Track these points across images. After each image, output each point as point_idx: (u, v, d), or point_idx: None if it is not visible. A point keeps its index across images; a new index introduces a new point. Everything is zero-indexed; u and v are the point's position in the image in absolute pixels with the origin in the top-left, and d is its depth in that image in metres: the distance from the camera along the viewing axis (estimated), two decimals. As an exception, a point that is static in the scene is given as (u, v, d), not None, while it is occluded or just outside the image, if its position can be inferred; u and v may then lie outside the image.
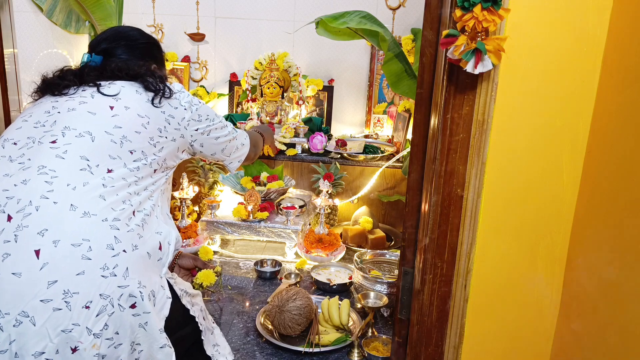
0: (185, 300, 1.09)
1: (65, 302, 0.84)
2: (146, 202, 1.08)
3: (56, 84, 1.15)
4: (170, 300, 0.99)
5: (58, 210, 0.91)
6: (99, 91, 1.13)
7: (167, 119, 1.17)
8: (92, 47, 1.31)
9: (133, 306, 0.90)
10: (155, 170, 1.12)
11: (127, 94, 1.15)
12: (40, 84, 1.17)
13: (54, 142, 1.01)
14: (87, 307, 0.86)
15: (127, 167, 1.04)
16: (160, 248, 1.03)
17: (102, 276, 0.88)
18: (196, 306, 1.12)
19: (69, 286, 0.85)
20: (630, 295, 0.89)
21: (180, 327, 1.08)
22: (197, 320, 1.10)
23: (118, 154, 1.04)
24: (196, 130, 1.24)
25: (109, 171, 1.01)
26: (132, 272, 0.92)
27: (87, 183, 0.97)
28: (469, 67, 0.94)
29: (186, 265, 1.47)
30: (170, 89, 1.21)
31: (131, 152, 1.06)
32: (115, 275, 0.90)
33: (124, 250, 0.93)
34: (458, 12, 0.93)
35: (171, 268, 1.41)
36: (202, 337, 1.12)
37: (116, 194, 1.00)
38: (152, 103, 1.15)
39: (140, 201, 1.05)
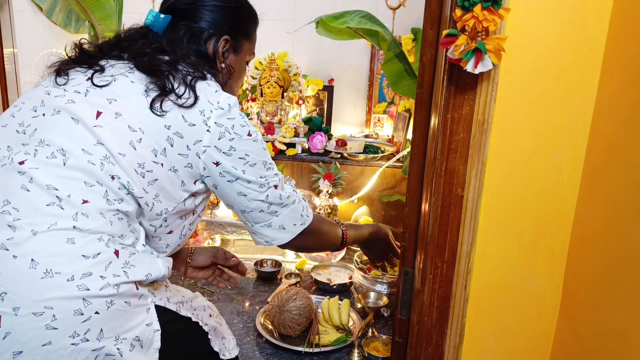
0: (184, 311, 1.03)
1: None
2: (132, 241, 0.91)
3: (63, 69, 0.95)
4: (159, 331, 0.92)
5: (17, 268, 0.79)
6: (93, 83, 0.91)
7: (171, 139, 0.89)
8: (162, 3, 1.06)
9: None
10: (140, 213, 0.91)
11: (127, 93, 0.91)
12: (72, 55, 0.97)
13: (22, 162, 0.85)
14: None
15: (107, 197, 0.86)
16: (137, 288, 0.89)
17: (73, 344, 0.79)
18: (198, 309, 1.09)
19: (35, 357, 0.78)
20: (630, 295, 0.89)
21: (186, 341, 1.05)
22: (200, 324, 1.08)
23: (97, 179, 0.85)
24: (216, 164, 0.93)
25: (84, 202, 0.84)
26: (107, 331, 0.83)
27: (53, 225, 0.81)
28: (469, 67, 0.94)
29: (202, 263, 1.31)
30: (195, 95, 0.91)
31: (113, 178, 0.86)
32: (88, 340, 0.81)
33: (97, 312, 0.81)
34: (458, 12, 0.93)
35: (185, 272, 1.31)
36: (210, 337, 1.11)
37: (90, 234, 0.83)
38: (152, 109, 0.89)
39: (125, 242, 0.89)
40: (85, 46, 0.99)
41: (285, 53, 2.63)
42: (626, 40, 0.94)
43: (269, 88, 2.56)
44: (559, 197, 1.08)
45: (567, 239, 1.10)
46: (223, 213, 2.32)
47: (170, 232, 0.99)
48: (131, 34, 1.02)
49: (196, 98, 0.91)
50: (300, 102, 2.62)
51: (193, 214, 1.02)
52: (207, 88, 0.94)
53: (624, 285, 0.91)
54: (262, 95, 2.62)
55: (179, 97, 0.90)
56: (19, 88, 1.78)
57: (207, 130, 0.91)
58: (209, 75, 0.97)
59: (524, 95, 1.03)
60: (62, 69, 0.95)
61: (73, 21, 2.55)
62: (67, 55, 0.99)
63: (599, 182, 1.01)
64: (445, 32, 0.95)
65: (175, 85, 0.91)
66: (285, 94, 2.62)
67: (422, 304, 1.15)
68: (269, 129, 2.53)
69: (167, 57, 0.95)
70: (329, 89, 2.85)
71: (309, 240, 1.12)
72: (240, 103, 2.90)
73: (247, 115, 2.69)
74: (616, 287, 0.94)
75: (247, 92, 2.64)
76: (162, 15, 1.02)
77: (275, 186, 1.01)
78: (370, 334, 1.61)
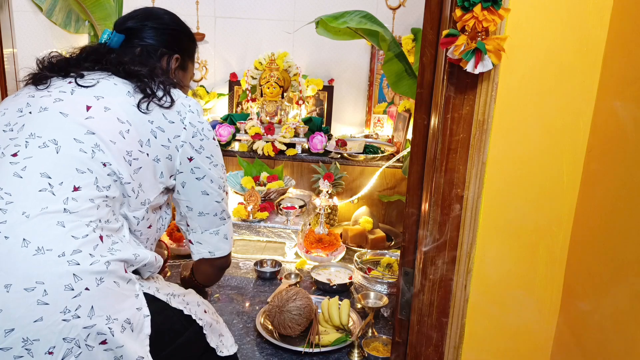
0: (175, 303, 1.04)
1: (26, 349, 0.79)
2: (119, 227, 0.96)
3: (40, 76, 1.02)
4: (149, 317, 0.93)
5: (9, 247, 0.81)
6: (77, 84, 1.00)
7: (154, 131, 1.01)
8: (117, 25, 1.17)
9: (104, 342, 0.84)
10: (125, 197, 0.97)
11: (112, 92, 1.00)
12: (37, 69, 1.05)
13: (15, 154, 0.90)
14: (51, 353, 0.80)
15: (97, 183, 0.91)
16: (125, 271, 0.92)
17: (64, 320, 0.81)
18: (191, 304, 1.09)
19: (27, 334, 0.79)
20: (630, 295, 0.89)
21: (178, 333, 1.05)
22: (194, 317, 1.08)
23: (88, 166, 0.91)
24: (190, 159, 1.06)
25: (75, 189, 0.89)
26: (98, 309, 0.84)
27: (45, 209, 0.85)
28: (469, 67, 0.94)
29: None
30: (171, 99, 1.04)
31: (104, 165, 0.93)
32: (79, 317, 0.82)
33: (87, 288, 0.83)
34: (458, 12, 0.93)
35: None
36: (205, 332, 1.10)
37: (79, 218, 0.87)
38: (139, 107, 0.99)
39: (110, 227, 0.93)
40: (54, 60, 1.07)
41: (285, 53, 2.63)
42: (626, 40, 0.94)
43: (268, 88, 2.56)
44: (559, 197, 1.08)
45: (567, 239, 1.10)
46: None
47: (149, 227, 1.06)
48: (95, 49, 1.11)
49: (173, 101, 1.04)
50: (300, 102, 2.62)
51: (160, 208, 1.11)
52: (179, 93, 1.08)
53: (624, 286, 0.91)
54: (262, 95, 2.62)
55: (160, 99, 1.03)
56: (18, 88, 1.78)
57: (184, 128, 1.05)
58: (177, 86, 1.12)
59: (524, 95, 1.03)
60: (42, 75, 1.02)
61: (73, 21, 2.55)
62: (38, 67, 1.06)
63: (599, 182, 1.01)
64: (445, 32, 0.95)
65: (155, 90, 1.03)
66: (285, 94, 2.62)
67: (422, 304, 1.15)
68: (269, 129, 2.53)
69: (142, 68, 1.06)
70: (329, 89, 2.85)
71: (230, 256, 1.24)
72: (240, 103, 2.90)
73: (247, 115, 2.69)
74: (616, 288, 0.94)
75: (247, 92, 2.64)
76: (116, 34, 1.13)
77: (227, 193, 1.16)
78: (370, 334, 1.61)
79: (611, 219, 0.96)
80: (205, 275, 1.30)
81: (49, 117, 0.94)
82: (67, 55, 1.10)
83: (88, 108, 0.96)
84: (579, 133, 1.05)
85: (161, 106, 1.02)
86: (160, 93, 1.03)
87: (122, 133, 0.96)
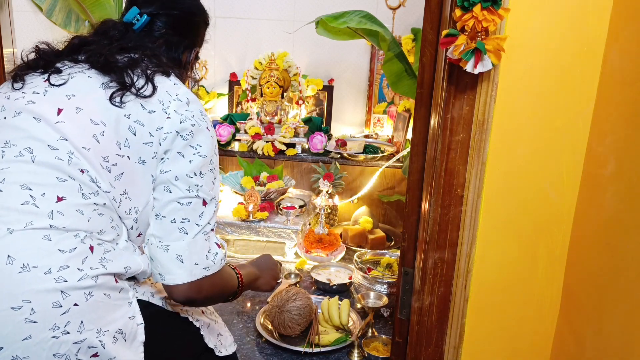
0: (171, 307, 1.03)
1: None
2: (113, 237, 0.91)
3: (17, 74, 0.94)
4: (143, 325, 0.91)
5: None
6: (51, 83, 0.92)
7: (132, 127, 0.89)
8: (144, 1, 1.04)
9: (95, 355, 0.83)
10: (116, 204, 0.89)
11: (85, 89, 0.91)
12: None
13: None
14: None
15: (82, 191, 0.86)
16: (116, 281, 0.88)
17: (53, 337, 0.79)
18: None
19: (16, 352, 0.78)
20: (629, 295, 0.89)
21: (175, 337, 1.04)
22: (191, 320, 1.08)
23: (68, 173, 0.85)
24: (169, 150, 0.91)
25: (59, 199, 0.84)
26: (88, 323, 0.82)
27: (29, 223, 0.81)
28: (468, 67, 0.94)
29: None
30: (153, 86, 0.92)
31: (82, 172, 0.86)
32: (69, 333, 0.80)
33: (76, 304, 0.81)
34: (458, 12, 0.93)
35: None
36: (202, 333, 1.10)
37: (67, 231, 0.83)
38: (111, 101, 0.89)
39: (103, 238, 0.88)
40: (46, 49, 0.99)
41: (285, 53, 2.63)
42: (626, 40, 0.94)
43: (268, 88, 2.56)
44: (559, 197, 1.08)
45: (567, 239, 1.10)
46: (223, 213, 2.32)
47: (139, 236, 0.98)
48: (106, 29, 1.02)
49: (154, 88, 0.92)
50: (300, 102, 2.63)
51: None
52: (167, 81, 0.95)
53: (623, 286, 0.91)
54: (262, 95, 2.62)
55: (138, 89, 0.91)
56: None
57: (168, 117, 0.91)
58: (172, 75, 0.98)
59: (524, 95, 1.03)
60: (18, 74, 0.95)
61: (73, 21, 2.55)
62: (22, 59, 0.99)
63: (598, 182, 1.01)
64: (445, 32, 0.96)
65: (135, 79, 0.92)
66: (285, 94, 2.62)
67: (422, 304, 1.15)
68: (269, 129, 2.53)
69: (127, 56, 0.96)
70: (328, 89, 2.85)
71: (206, 290, 0.96)
72: (240, 103, 2.90)
73: (247, 115, 2.69)
74: (616, 288, 0.94)
75: (247, 92, 2.64)
76: (142, 15, 1.03)
77: (204, 202, 0.93)
78: (370, 334, 1.61)
79: (611, 218, 0.96)
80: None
81: (22, 122, 0.88)
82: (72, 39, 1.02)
83: (59, 111, 0.88)
84: (579, 133, 1.05)
85: (138, 96, 0.90)
86: (141, 82, 0.92)
87: (96, 136, 0.87)
